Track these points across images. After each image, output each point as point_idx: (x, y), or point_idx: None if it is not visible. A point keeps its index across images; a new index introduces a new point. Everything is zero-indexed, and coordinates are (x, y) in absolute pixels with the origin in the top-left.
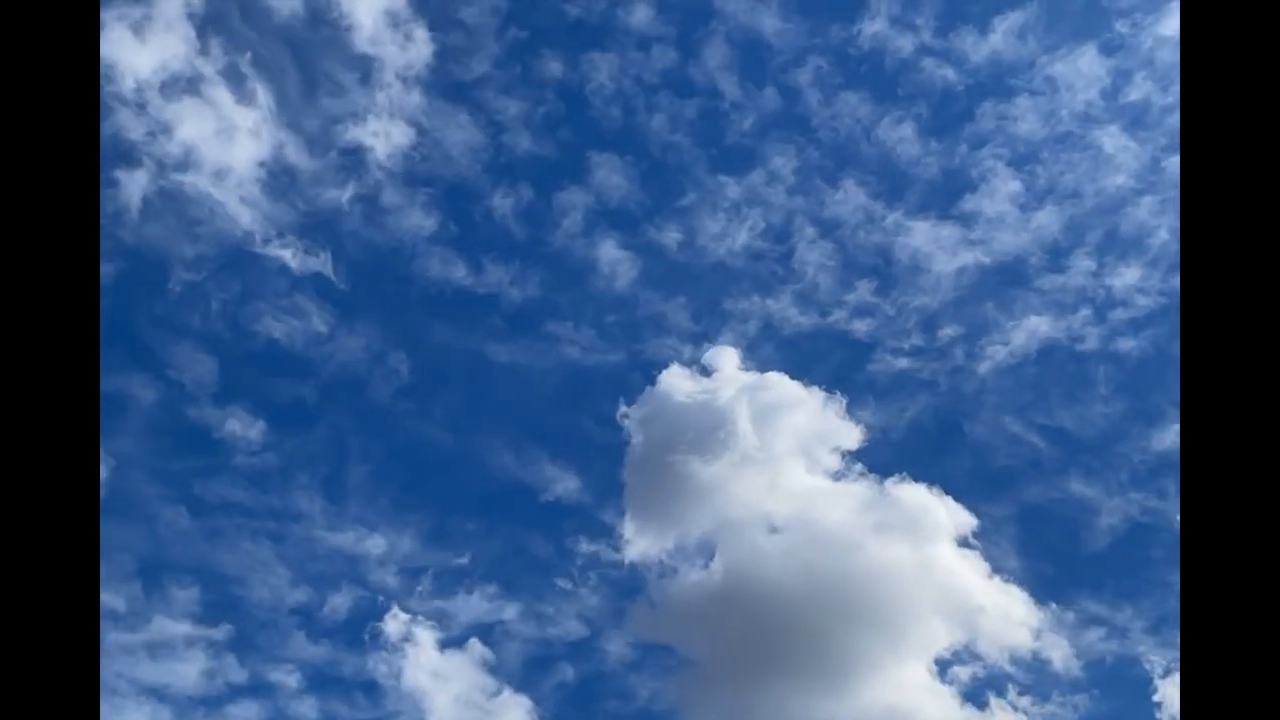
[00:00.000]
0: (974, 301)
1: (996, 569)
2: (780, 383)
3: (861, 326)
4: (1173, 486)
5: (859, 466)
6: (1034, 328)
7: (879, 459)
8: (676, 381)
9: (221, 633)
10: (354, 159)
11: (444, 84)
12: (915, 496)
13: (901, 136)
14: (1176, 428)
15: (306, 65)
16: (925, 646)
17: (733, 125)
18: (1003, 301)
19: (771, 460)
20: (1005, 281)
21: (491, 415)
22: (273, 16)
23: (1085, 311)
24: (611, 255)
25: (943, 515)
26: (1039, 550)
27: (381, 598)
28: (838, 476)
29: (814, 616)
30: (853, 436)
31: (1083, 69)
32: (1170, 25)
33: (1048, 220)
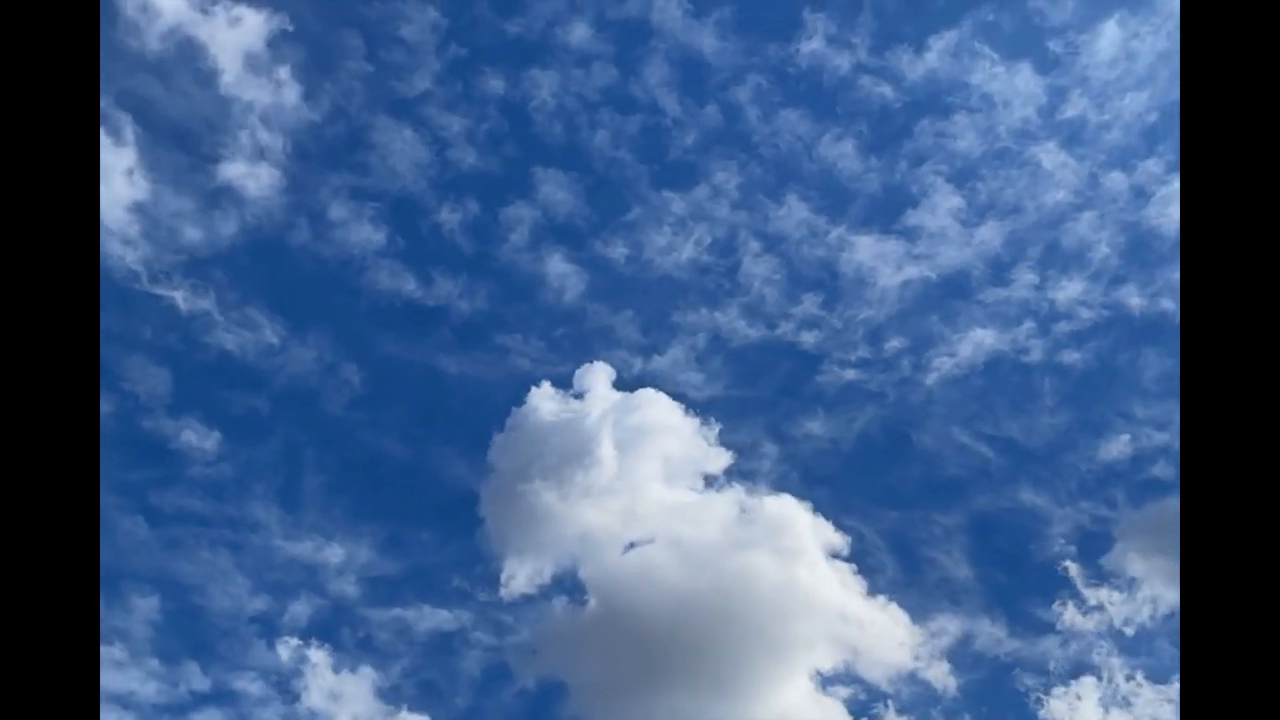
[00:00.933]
0: (919, 314)
1: (874, 586)
2: (652, 401)
3: (809, 338)
4: (1121, 495)
5: (731, 483)
6: (979, 340)
7: (750, 476)
8: (543, 403)
9: (183, 641)
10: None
11: (387, 99)
12: (786, 513)
13: (842, 153)
14: (1125, 438)
15: None
16: (805, 660)
17: (675, 141)
18: (947, 314)
19: (639, 480)
20: (949, 295)
21: (444, 426)
22: None
23: (1029, 324)
24: (559, 269)
25: (815, 532)
26: (916, 565)
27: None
28: (709, 493)
29: (691, 633)
30: (722, 458)
31: (1019, 87)
32: (1103, 43)
33: (989, 235)
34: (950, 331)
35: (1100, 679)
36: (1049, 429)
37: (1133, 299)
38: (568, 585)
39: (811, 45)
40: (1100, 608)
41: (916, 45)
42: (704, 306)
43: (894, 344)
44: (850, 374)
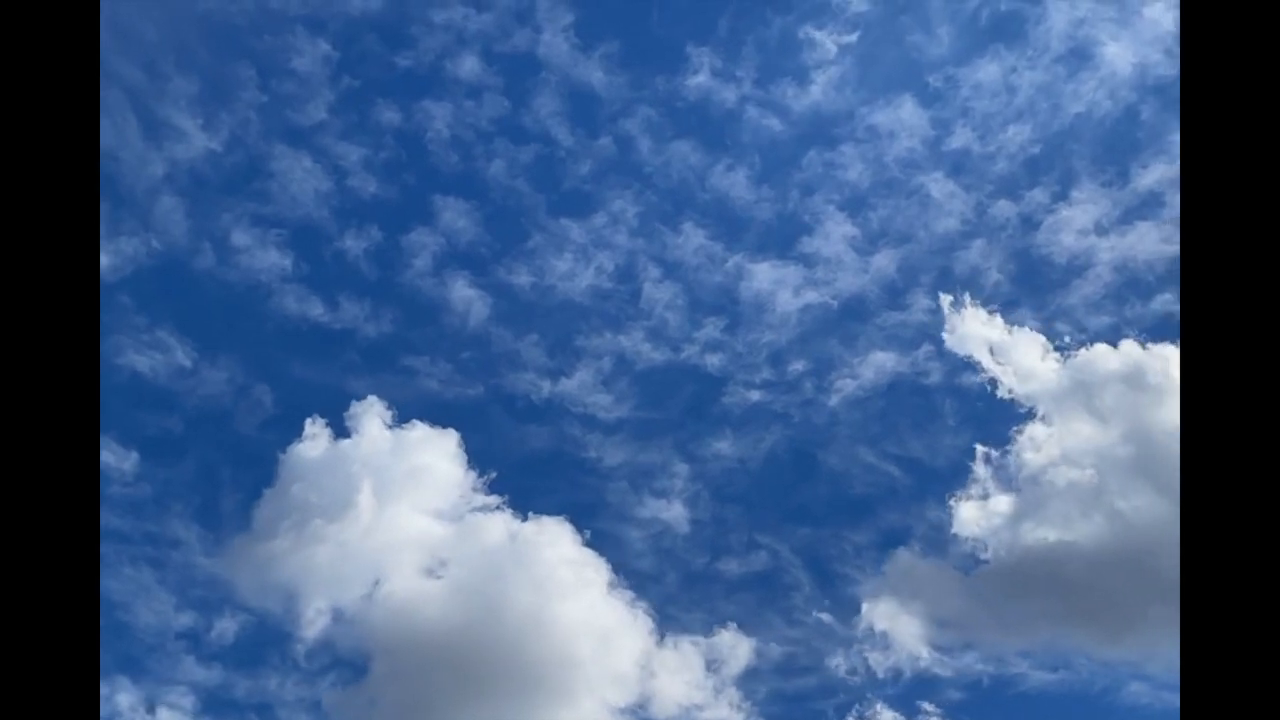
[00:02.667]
0: (819, 338)
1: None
2: (419, 438)
3: (713, 361)
4: None
5: (494, 512)
6: (879, 363)
7: (514, 503)
8: (308, 445)
9: (112, 656)
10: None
11: (283, 129)
12: (548, 538)
13: (734, 182)
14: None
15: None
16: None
17: (569, 171)
18: (846, 338)
19: (401, 515)
20: (848, 319)
21: None
22: None
23: (927, 347)
24: (463, 294)
25: (578, 558)
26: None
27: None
28: (472, 520)
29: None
30: (482, 482)
31: (903, 119)
32: (982, 77)
33: (884, 262)
34: (850, 354)
35: None
36: (951, 449)
37: (1028, 322)
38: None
39: (698, 79)
40: None
41: (800, 79)
42: (608, 330)
43: (796, 367)
44: (755, 395)
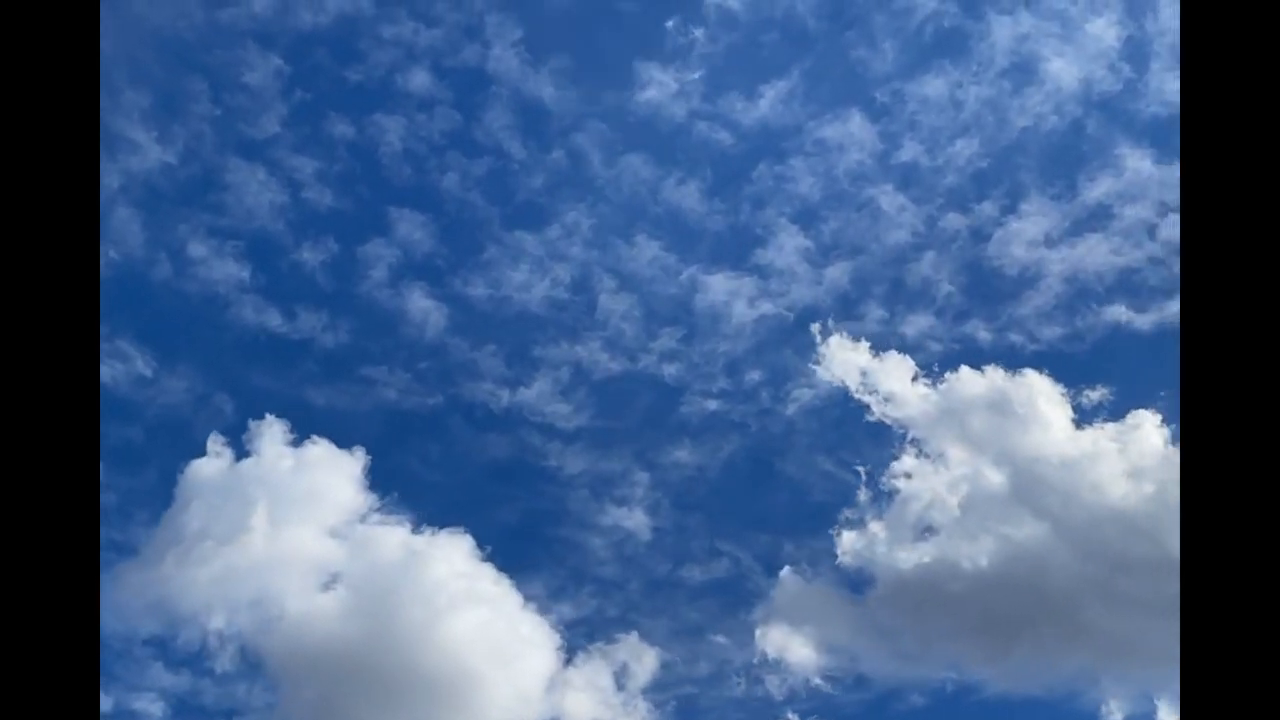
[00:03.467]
0: (774, 348)
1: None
2: (315, 455)
3: (670, 370)
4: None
5: (390, 529)
6: (836, 373)
7: (414, 518)
8: (206, 464)
9: None
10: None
11: (236, 142)
12: (448, 553)
13: (686, 195)
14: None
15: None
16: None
17: (522, 184)
18: (801, 348)
19: (294, 535)
20: (803, 329)
21: None
22: None
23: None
24: (420, 305)
25: (474, 571)
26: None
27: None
28: (368, 535)
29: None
30: (374, 501)
31: (852, 132)
32: (929, 91)
33: (837, 273)
34: (806, 364)
35: None
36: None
37: (980, 333)
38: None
39: (646, 93)
40: None
41: (748, 93)
42: (565, 341)
43: (753, 376)
44: (713, 404)
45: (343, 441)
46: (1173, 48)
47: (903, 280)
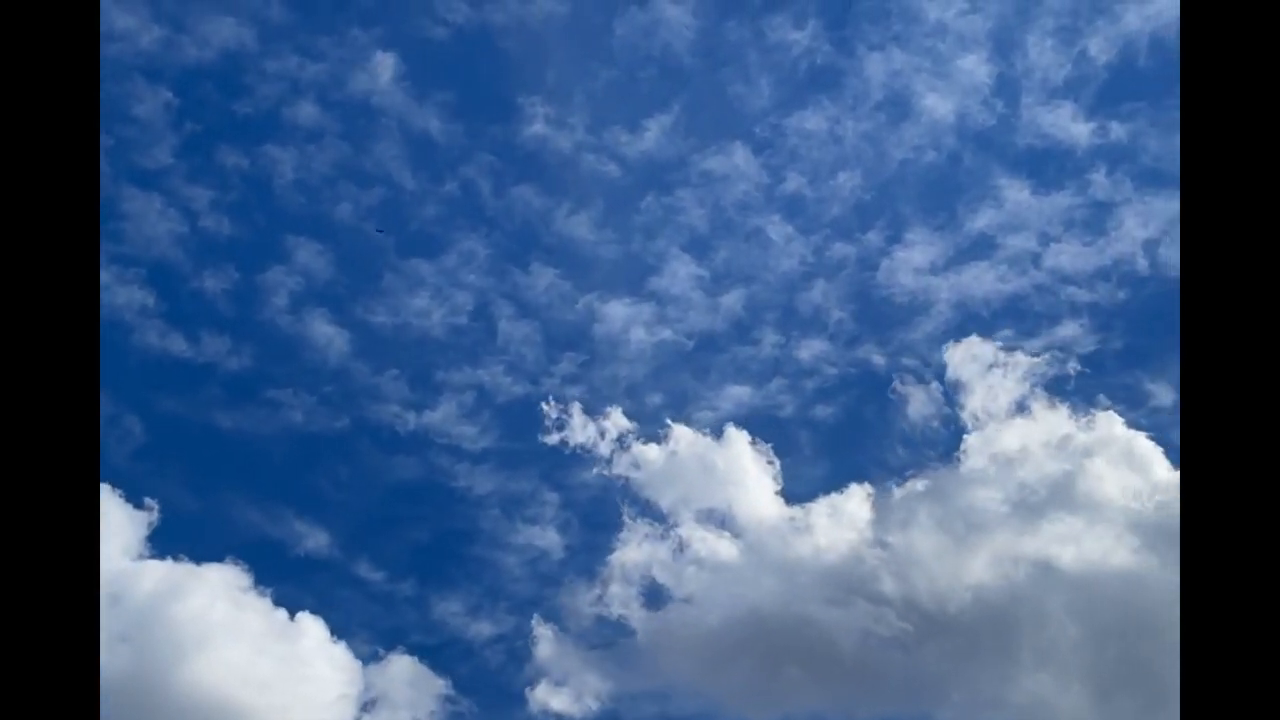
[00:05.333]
0: (673, 372)
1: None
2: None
3: (573, 393)
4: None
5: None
6: (736, 396)
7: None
8: None
9: None
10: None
11: (130, 171)
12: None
13: (578, 225)
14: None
15: None
16: None
17: (415, 213)
18: (699, 372)
19: None
20: (700, 354)
21: (229, 476)
22: None
23: (779, 381)
24: (322, 330)
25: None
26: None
27: None
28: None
29: None
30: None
31: (737, 164)
32: (809, 126)
33: (731, 300)
34: (705, 388)
35: None
36: (811, 478)
37: (874, 357)
38: None
39: (532, 128)
40: None
41: (631, 127)
42: (467, 365)
43: (654, 399)
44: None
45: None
46: (1043, 83)
47: (795, 307)
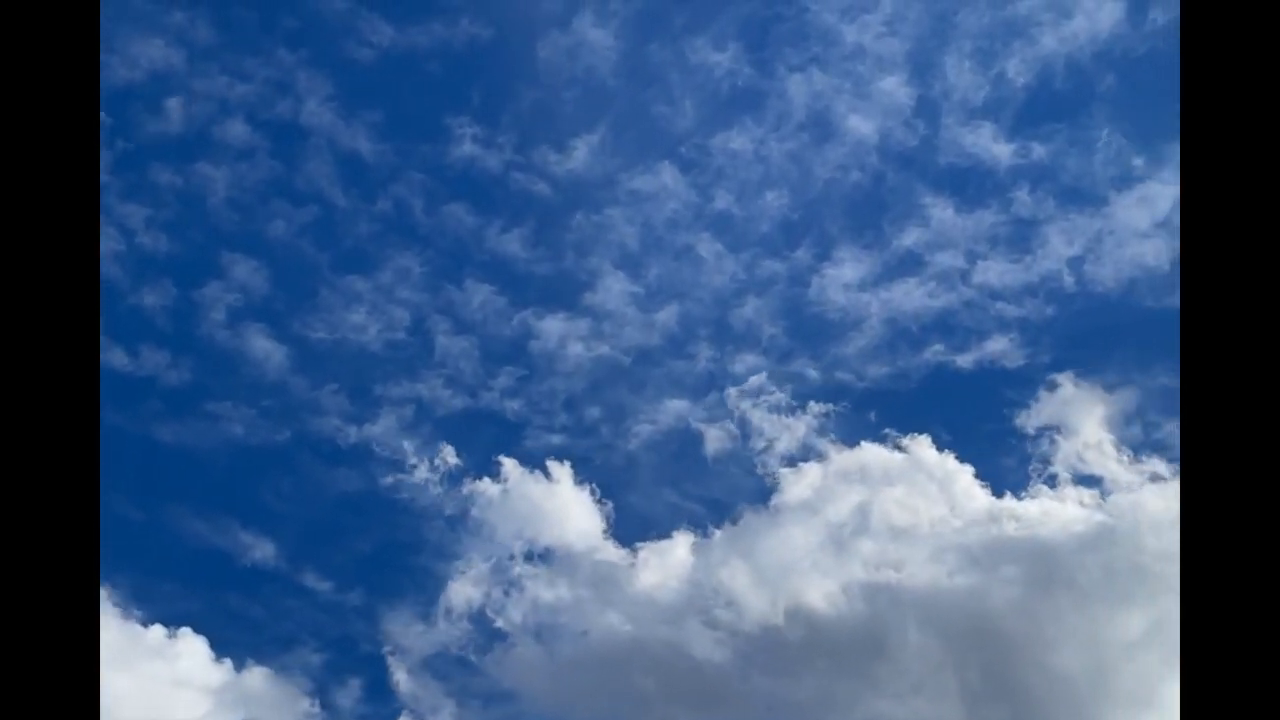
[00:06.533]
0: (610, 386)
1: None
2: None
3: (512, 406)
4: None
5: None
6: (674, 409)
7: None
8: None
9: None
10: None
11: None
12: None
13: (510, 242)
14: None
15: None
16: None
17: (348, 231)
18: (636, 386)
19: None
20: (637, 368)
21: (173, 489)
22: None
23: (716, 394)
24: (261, 345)
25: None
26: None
27: None
28: None
29: None
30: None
31: (665, 183)
32: (735, 145)
33: (665, 316)
34: (642, 402)
35: None
36: (750, 490)
37: (809, 371)
38: None
39: (461, 148)
40: None
41: (558, 146)
42: (405, 379)
43: (592, 413)
44: (556, 439)
45: None
46: (962, 104)
47: (728, 323)
